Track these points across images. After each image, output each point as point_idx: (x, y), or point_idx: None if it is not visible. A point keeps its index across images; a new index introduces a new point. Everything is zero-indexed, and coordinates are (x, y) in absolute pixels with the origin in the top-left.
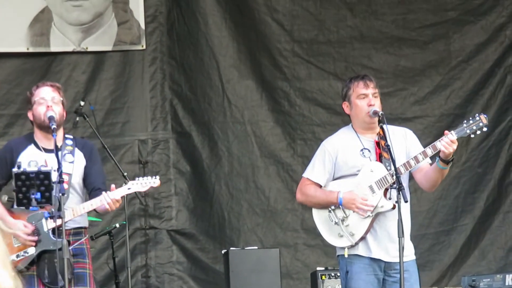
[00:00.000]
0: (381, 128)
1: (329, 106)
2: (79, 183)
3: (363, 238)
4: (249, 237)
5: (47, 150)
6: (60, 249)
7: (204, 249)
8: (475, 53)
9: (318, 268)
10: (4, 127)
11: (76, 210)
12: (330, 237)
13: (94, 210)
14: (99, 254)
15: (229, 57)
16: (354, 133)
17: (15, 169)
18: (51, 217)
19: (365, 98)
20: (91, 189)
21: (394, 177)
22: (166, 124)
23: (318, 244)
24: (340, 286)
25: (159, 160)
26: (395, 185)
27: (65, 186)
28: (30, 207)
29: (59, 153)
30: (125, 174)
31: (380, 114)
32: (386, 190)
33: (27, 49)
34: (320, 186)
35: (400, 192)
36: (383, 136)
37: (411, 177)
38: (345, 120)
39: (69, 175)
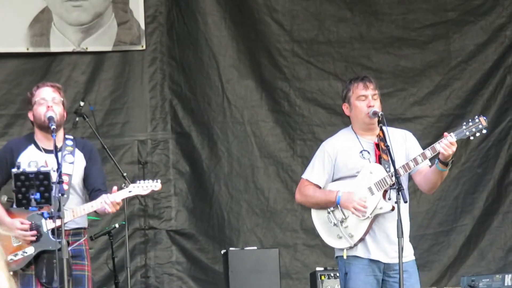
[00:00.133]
0: (381, 129)
1: (329, 106)
2: (79, 183)
3: (362, 240)
4: (248, 237)
5: (47, 151)
6: (59, 249)
7: (204, 249)
8: (475, 53)
9: (317, 268)
10: (4, 127)
11: (76, 211)
12: (329, 238)
13: (95, 211)
14: (98, 254)
15: (228, 57)
16: (353, 135)
17: (14, 170)
18: (51, 218)
19: (365, 100)
20: (91, 190)
21: (394, 178)
22: (166, 124)
23: (317, 244)
24: (339, 286)
25: (159, 161)
26: (394, 186)
27: (65, 186)
28: (30, 208)
29: (59, 153)
30: (125, 174)
31: (379, 115)
32: (385, 191)
33: (27, 49)
34: (319, 187)
35: (400, 193)
36: (382, 137)
37: (410, 178)
38: (345, 120)
39: (69, 175)
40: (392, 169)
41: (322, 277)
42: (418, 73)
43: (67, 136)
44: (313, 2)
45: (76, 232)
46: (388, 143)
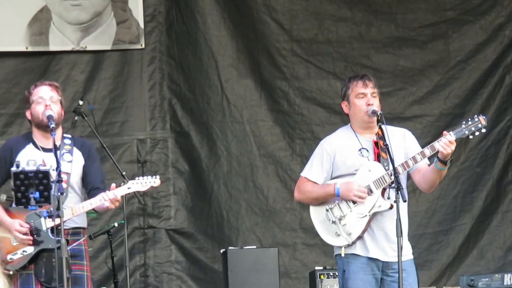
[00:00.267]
0: (380, 128)
1: (328, 106)
2: (77, 182)
3: (360, 238)
4: (247, 236)
5: (45, 149)
6: (58, 248)
7: (203, 248)
8: (474, 53)
9: (316, 268)
10: (3, 126)
11: (75, 209)
12: (327, 236)
13: (93, 209)
14: (97, 253)
15: (228, 57)
16: (352, 133)
17: (13, 168)
18: (50, 216)
19: (364, 98)
20: (90, 188)
21: (393, 176)
22: (165, 123)
23: (316, 243)
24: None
25: (158, 160)
26: (393, 185)
27: (64, 185)
28: (29, 206)
29: (58, 152)
30: (124, 173)
31: (378, 114)
32: (384, 190)
33: (26, 48)
34: None
35: (399, 192)
36: (381, 136)
37: (409, 177)
38: (344, 119)
39: (68, 174)
40: (391, 168)
41: (321, 276)
42: (417, 72)
43: (65, 135)
44: (313, 1)
45: (76, 232)
46: (387, 142)
